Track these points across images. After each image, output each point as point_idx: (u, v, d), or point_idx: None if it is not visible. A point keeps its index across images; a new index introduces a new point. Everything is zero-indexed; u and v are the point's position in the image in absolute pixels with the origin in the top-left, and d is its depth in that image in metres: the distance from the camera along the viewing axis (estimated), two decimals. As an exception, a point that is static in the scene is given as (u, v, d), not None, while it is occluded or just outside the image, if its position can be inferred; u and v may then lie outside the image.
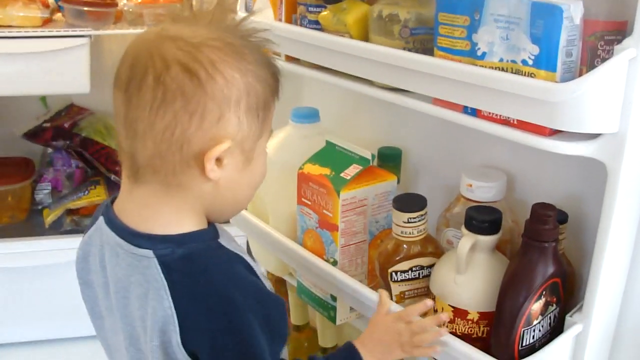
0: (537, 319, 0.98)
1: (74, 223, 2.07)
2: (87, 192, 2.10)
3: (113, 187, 2.12)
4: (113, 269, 0.92)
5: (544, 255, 0.97)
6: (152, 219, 0.90)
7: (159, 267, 0.87)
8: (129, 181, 0.91)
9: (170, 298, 0.85)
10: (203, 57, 0.85)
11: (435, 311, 1.07)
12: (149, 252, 0.88)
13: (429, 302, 1.05)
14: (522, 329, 0.97)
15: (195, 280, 0.87)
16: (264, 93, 0.90)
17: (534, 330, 0.99)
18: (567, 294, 1.04)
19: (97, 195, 2.08)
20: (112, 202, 0.96)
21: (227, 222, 1.06)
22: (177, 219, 0.91)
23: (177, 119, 0.84)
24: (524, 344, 0.98)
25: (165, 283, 0.86)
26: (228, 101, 0.86)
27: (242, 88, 0.87)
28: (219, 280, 0.88)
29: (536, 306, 0.97)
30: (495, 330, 1.00)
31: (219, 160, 0.88)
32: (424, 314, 1.06)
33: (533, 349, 0.99)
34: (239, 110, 0.87)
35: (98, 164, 2.16)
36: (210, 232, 0.94)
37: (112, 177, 2.14)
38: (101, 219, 0.95)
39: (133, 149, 0.88)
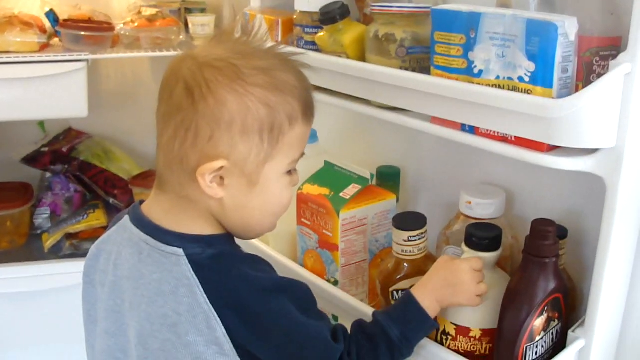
0: (539, 335, 0.98)
1: (73, 247, 2.06)
2: (86, 216, 2.09)
3: (112, 211, 2.11)
4: (134, 266, 0.94)
5: (545, 271, 0.97)
6: (176, 224, 0.94)
7: (189, 265, 0.90)
8: (155, 187, 0.97)
9: (204, 295, 0.89)
10: (200, 77, 0.88)
11: (438, 330, 1.07)
12: (179, 250, 0.91)
13: None
14: (525, 345, 0.97)
15: (227, 276, 0.91)
16: (271, 118, 0.90)
17: (536, 347, 0.98)
18: (569, 309, 1.04)
19: (96, 219, 2.07)
20: (141, 204, 1.00)
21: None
22: (199, 226, 0.94)
23: (176, 133, 0.89)
24: (526, 361, 0.98)
25: (197, 280, 0.89)
26: (218, 121, 0.88)
27: (236, 110, 0.88)
28: (250, 274, 0.92)
29: (538, 322, 0.97)
30: (498, 347, 1.00)
31: (221, 179, 0.91)
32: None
33: (536, 365, 0.99)
34: (231, 131, 0.88)
35: (97, 188, 2.16)
36: (233, 239, 0.99)
37: (111, 200, 2.14)
38: (126, 218, 0.99)
39: (156, 157, 0.94)
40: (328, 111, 1.55)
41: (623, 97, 0.85)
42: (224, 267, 0.91)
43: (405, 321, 0.99)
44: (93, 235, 2.03)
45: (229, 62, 0.89)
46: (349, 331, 0.99)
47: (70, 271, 1.92)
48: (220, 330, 0.88)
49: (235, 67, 0.89)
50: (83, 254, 1.96)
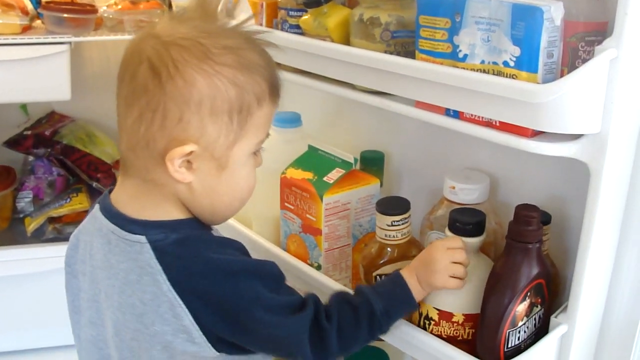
0: (522, 320, 0.98)
1: (55, 231, 2.05)
2: (69, 199, 2.08)
3: (95, 195, 2.10)
4: (105, 256, 0.93)
5: (528, 256, 0.97)
6: (141, 209, 0.92)
7: (152, 252, 0.88)
8: (121, 173, 0.95)
9: (168, 282, 0.87)
10: (167, 56, 0.86)
11: (421, 315, 1.07)
12: (142, 238, 0.89)
13: None
14: (507, 331, 0.97)
15: (191, 261, 0.88)
16: (240, 98, 0.88)
17: (519, 332, 0.99)
18: (552, 295, 1.04)
19: (79, 202, 2.06)
20: (110, 192, 0.98)
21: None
22: (164, 210, 0.92)
23: (142, 115, 0.87)
24: (509, 346, 0.98)
25: (160, 268, 0.87)
26: (187, 102, 0.86)
27: (205, 90, 0.86)
28: (214, 257, 0.89)
29: (521, 307, 0.97)
30: (480, 332, 1.00)
31: (189, 163, 0.89)
32: (410, 319, 1.06)
33: (519, 350, 0.99)
34: (201, 112, 0.87)
35: (80, 172, 2.15)
36: (201, 222, 0.96)
37: (94, 184, 2.13)
38: (97, 207, 0.97)
39: (119, 140, 0.92)
40: (312, 95, 1.55)
41: (608, 83, 0.85)
42: (187, 252, 0.89)
43: (390, 297, 0.99)
44: (76, 219, 2.02)
45: (196, 41, 0.87)
46: (332, 299, 0.98)
47: (53, 255, 1.91)
48: (187, 318, 0.87)
49: (203, 46, 0.87)
50: (66, 238, 1.94)
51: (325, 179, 1.19)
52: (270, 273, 0.93)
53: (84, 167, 2.15)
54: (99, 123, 2.26)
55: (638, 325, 1.02)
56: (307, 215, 1.21)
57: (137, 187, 0.93)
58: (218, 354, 0.90)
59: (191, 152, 0.88)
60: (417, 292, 1.00)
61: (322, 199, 1.17)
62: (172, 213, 0.93)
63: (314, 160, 1.25)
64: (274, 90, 0.94)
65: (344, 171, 1.19)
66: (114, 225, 0.92)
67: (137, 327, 0.89)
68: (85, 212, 1.98)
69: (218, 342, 0.89)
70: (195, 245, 0.91)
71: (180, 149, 0.87)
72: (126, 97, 0.89)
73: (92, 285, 0.97)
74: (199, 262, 0.88)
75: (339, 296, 0.99)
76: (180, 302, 0.86)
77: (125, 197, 0.94)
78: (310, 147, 1.28)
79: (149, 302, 0.88)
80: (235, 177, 0.93)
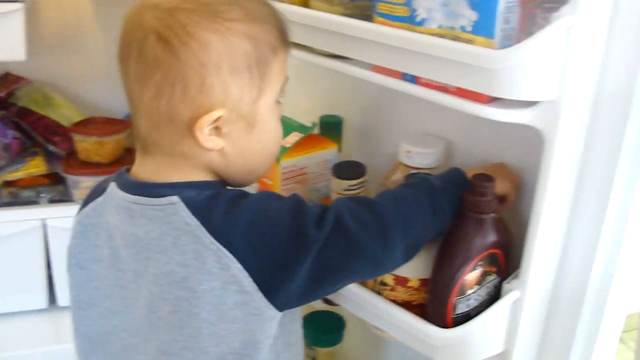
0: (471, 289, 0.99)
1: (11, 195, 2.01)
2: (25, 163, 2.03)
3: (52, 158, 2.06)
4: (127, 231, 0.89)
5: (481, 226, 0.97)
6: (168, 179, 0.89)
7: (187, 210, 0.85)
8: (140, 152, 0.91)
9: (209, 235, 0.83)
10: (175, 22, 0.82)
11: (375, 280, 1.07)
12: (174, 198, 0.86)
13: None
14: (455, 298, 0.98)
15: (227, 210, 0.85)
16: (256, 50, 0.86)
17: (468, 300, 0.99)
18: (510, 264, 1.04)
19: (35, 166, 2.02)
20: (127, 171, 0.94)
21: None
22: (191, 177, 0.89)
23: (160, 90, 0.83)
24: (457, 313, 0.99)
25: (199, 222, 0.84)
26: (206, 66, 0.83)
27: (222, 50, 0.84)
28: (247, 202, 0.87)
29: (471, 276, 0.98)
30: (430, 298, 1.01)
31: (217, 129, 0.86)
32: (365, 284, 1.06)
33: (468, 317, 1.00)
34: (221, 73, 0.84)
35: (36, 135, 2.10)
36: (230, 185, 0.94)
37: (51, 147, 2.09)
38: (112, 185, 0.92)
39: (135, 120, 0.88)
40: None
41: (564, 50, 0.85)
42: (221, 203, 0.86)
43: (448, 179, 1.00)
44: (32, 183, 1.99)
45: (200, 2, 0.84)
46: None
47: (9, 220, 1.88)
48: (235, 266, 0.83)
49: (209, 5, 0.84)
50: (22, 202, 1.92)
51: (282, 142, 1.18)
52: (299, 200, 0.91)
53: (40, 130, 2.11)
54: (56, 85, 2.22)
55: (586, 290, 1.03)
56: (265, 180, 1.20)
57: (162, 160, 0.89)
58: (271, 305, 0.86)
59: (219, 118, 0.85)
60: None
61: (279, 163, 1.16)
62: (200, 177, 0.90)
63: (272, 124, 1.24)
64: (284, 35, 0.93)
65: (301, 135, 1.19)
66: (137, 196, 0.88)
67: (180, 294, 0.85)
68: (41, 177, 1.95)
69: (268, 289, 0.85)
70: (228, 197, 0.87)
71: (208, 116, 0.84)
72: (137, 75, 0.85)
73: (112, 270, 0.92)
74: (234, 209, 0.85)
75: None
76: (226, 251, 0.83)
77: (149, 170, 0.91)
78: (268, 111, 1.27)
79: (191, 263, 0.84)
80: (265, 131, 0.92)
